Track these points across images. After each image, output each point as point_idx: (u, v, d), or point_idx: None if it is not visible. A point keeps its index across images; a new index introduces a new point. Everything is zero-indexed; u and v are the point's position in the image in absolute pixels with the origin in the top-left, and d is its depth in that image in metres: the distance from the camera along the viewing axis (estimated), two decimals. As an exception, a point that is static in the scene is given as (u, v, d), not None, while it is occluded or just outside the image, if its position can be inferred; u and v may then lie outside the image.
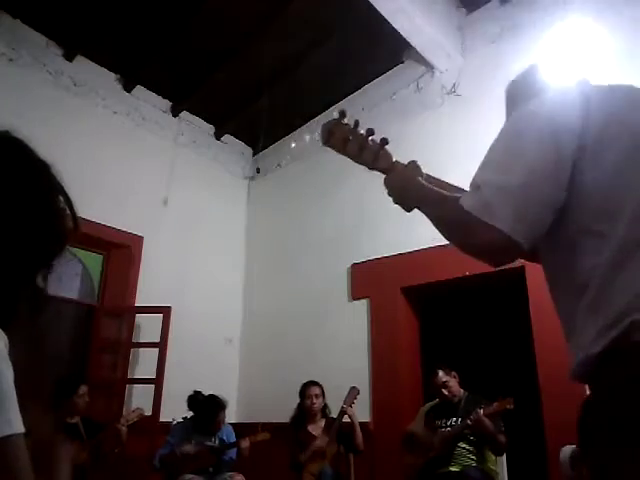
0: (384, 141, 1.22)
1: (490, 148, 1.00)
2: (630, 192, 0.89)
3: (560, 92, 1.04)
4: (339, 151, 1.24)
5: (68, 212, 0.78)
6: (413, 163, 1.22)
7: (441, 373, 3.41)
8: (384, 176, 1.24)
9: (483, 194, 0.93)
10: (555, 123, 0.94)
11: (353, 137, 1.22)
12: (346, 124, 1.22)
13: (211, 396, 3.70)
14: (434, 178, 1.26)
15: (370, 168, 1.24)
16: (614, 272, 0.87)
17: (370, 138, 1.21)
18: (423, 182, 1.15)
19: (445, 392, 3.37)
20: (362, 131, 1.22)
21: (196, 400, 3.72)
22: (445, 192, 1.08)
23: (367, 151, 1.21)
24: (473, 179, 0.98)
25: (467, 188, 1.02)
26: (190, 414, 3.76)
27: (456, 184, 1.26)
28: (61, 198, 0.78)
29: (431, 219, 1.08)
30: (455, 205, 0.97)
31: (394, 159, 1.22)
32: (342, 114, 1.23)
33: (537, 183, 0.91)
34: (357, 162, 1.24)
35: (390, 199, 1.22)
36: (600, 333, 0.85)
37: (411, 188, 1.16)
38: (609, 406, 0.85)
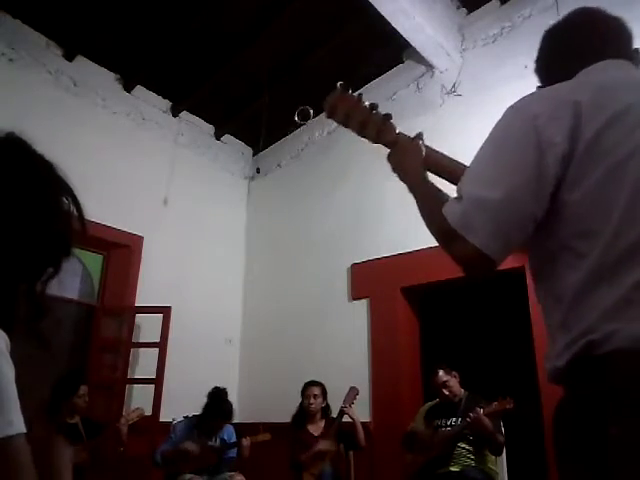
0: (387, 116, 1.21)
1: (476, 155, 1.00)
2: (610, 213, 0.89)
3: (552, 97, 1.00)
4: (342, 124, 1.23)
5: (75, 214, 0.78)
6: (416, 139, 1.22)
7: (441, 373, 3.41)
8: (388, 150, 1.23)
9: (463, 206, 0.94)
10: (540, 138, 0.92)
11: (356, 111, 1.20)
12: (350, 97, 1.21)
13: (226, 401, 3.69)
14: (435, 152, 1.25)
15: (374, 142, 1.23)
16: (586, 291, 0.89)
17: (373, 112, 1.21)
18: (421, 173, 1.15)
19: (445, 392, 3.37)
20: (366, 104, 1.21)
21: (218, 397, 3.69)
22: (437, 191, 1.08)
23: (370, 125, 1.20)
24: (458, 186, 0.99)
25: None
26: (191, 414, 3.76)
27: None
28: (67, 200, 0.77)
29: (421, 215, 1.10)
30: (439, 210, 0.98)
31: (398, 131, 1.22)
32: (345, 87, 1.22)
33: (516, 199, 0.92)
34: (361, 136, 1.23)
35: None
36: (565, 348, 0.89)
37: (408, 170, 1.17)
38: (568, 416, 0.90)
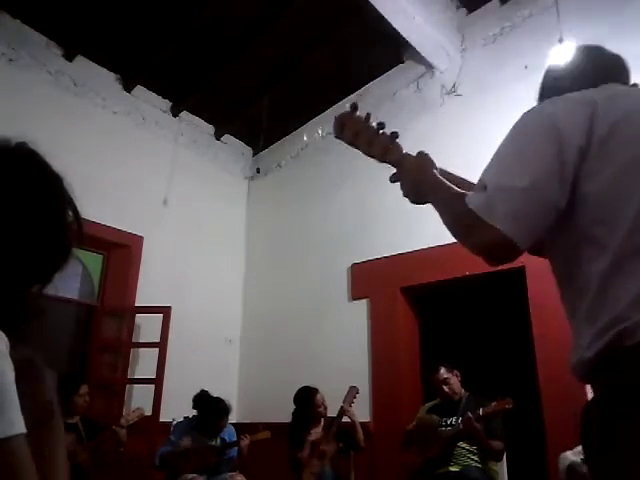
0: (394, 135, 1.24)
1: (498, 148, 1.03)
2: (629, 202, 0.91)
3: (568, 98, 1.05)
4: (350, 144, 1.27)
5: (75, 225, 0.80)
6: (422, 154, 1.23)
7: (443, 370, 3.40)
8: (392, 170, 1.25)
9: (487, 194, 0.97)
10: (559, 131, 0.96)
11: (364, 130, 1.24)
12: (357, 117, 1.25)
13: (217, 400, 3.68)
14: (447, 172, 1.27)
15: (380, 161, 1.26)
16: (609, 281, 0.90)
17: (380, 132, 1.24)
18: (437, 176, 1.17)
19: (445, 389, 3.36)
20: (373, 124, 1.24)
21: (202, 400, 3.70)
22: (456, 189, 1.10)
23: (377, 144, 1.23)
24: (480, 178, 1.02)
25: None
26: (191, 414, 3.76)
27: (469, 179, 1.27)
28: (70, 212, 0.79)
29: (440, 214, 1.11)
30: (462, 203, 1.00)
31: (404, 151, 1.24)
32: (354, 107, 1.25)
33: (539, 188, 0.95)
34: (367, 155, 1.26)
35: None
36: (594, 339, 0.90)
37: (425, 181, 1.18)
38: (603, 409, 0.89)
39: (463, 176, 1.29)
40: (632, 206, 0.91)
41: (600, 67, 1.17)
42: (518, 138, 1.03)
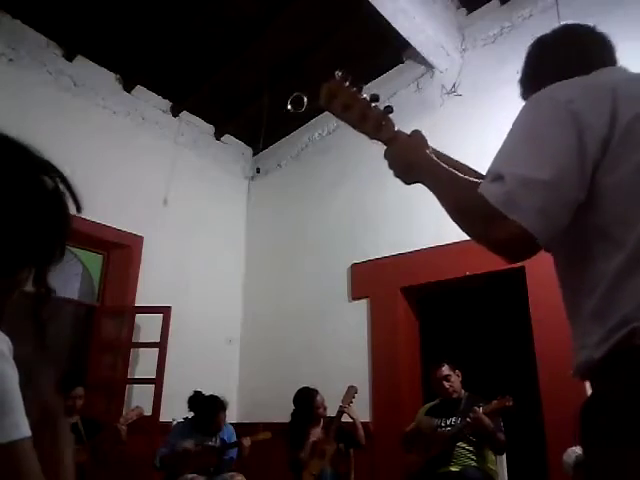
0: (388, 109, 1.14)
1: (507, 139, 0.97)
2: None
3: (585, 82, 0.99)
4: (338, 116, 1.15)
5: (66, 192, 0.70)
6: (417, 133, 1.14)
7: (445, 367, 3.40)
8: (385, 147, 1.15)
9: (507, 186, 0.89)
10: (580, 120, 0.90)
11: (355, 103, 1.12)
12: (348, 87, 1.13)
13: (211, 397, 3.70)
14: (441, 154, 1.19)
15: (371, 138, 1.15)
16: (623, 278, 0.87)
17: (373, 105, 1.13)
18: (432, 157, 1.09)
19: (446, 385, 3.35)
20: (365, 96, 1.13)
21: (196, 400, 3.72)
22: (457, 173, 1.03)
23: (369, 120, 1.12)
24: (493, 167, 0.94)
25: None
26: (191, 414, 3.76)
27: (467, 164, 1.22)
28: (49, 179, 0.69)
29: (440, 199, 1.04)
30: (473, 193, 0.93)
31: (396, 128, 1.14)
32: (344, 75, 1.13)
33: (564, 181, 0.89)
34: (357, 130, 1.15)
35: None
36: (604, 337, 0.87)
37: (418, 161, 1.10)
38: (610, 406, 0.87)
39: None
40: None
41: (597, 49, 1.12)
42: (532, 125, 0.95)
